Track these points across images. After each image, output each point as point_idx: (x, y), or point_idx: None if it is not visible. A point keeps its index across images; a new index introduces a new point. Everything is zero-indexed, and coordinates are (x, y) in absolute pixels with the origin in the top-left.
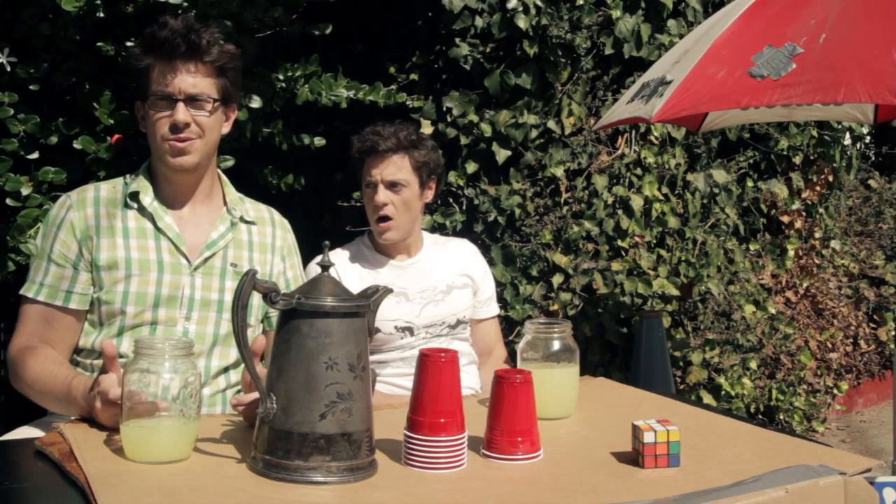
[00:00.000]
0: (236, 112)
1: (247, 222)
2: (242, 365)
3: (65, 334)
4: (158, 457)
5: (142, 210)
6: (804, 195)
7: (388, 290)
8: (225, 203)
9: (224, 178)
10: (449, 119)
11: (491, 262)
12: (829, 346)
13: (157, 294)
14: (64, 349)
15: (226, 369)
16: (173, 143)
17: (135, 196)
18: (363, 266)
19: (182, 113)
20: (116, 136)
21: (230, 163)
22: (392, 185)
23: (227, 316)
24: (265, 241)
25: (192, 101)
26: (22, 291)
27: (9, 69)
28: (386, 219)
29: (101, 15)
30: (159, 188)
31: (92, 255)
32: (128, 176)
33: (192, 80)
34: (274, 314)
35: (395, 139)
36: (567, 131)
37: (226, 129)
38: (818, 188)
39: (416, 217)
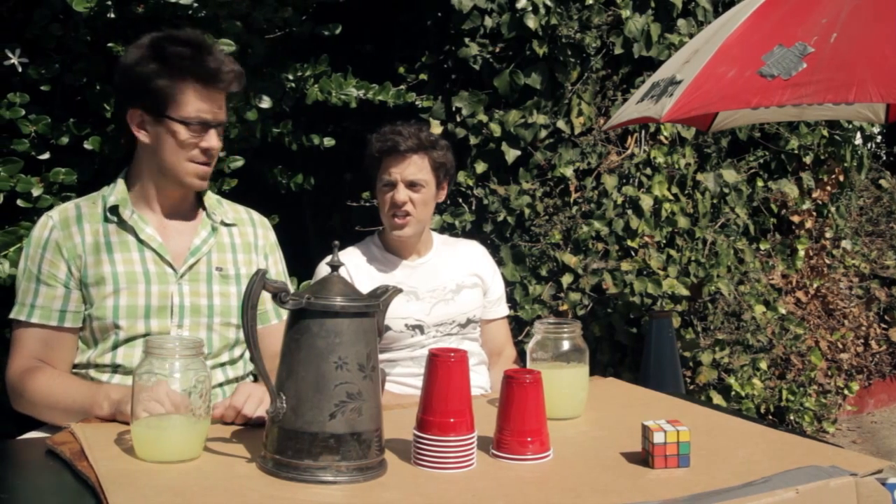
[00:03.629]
0: None
1: (227, 225)
2: (238, 362)
3: (63, 353)
4: (169, 456)
5: (122, 223)
6: (815, 195)
7: (398, 290)
8: (204, 208)
9: None
10: (458, 119)
11: (500, 262)
12: (840, 346)
13: (147, 305)
14: (65, 368)
15: (222, 364)
16: (201, 167)
17: (114, 210)
18: (373, 266)
19: (217, 140)
20: None
21: (240, 163)
22: (412, 185)
23: (218, 320)
24: (247, 240)
25: (218, 126)
26: (13, 315)
27: (20, 70)
28: (404, 215)
29: (112, 16)
30: (143, 199)
31: (80, 273)
32: (106, 188)
33: (224, 108)
34: (259, 312)
35: (417, 139)
36: (576, 131)
37: None
38: (829, 188)
39: (430, 216)
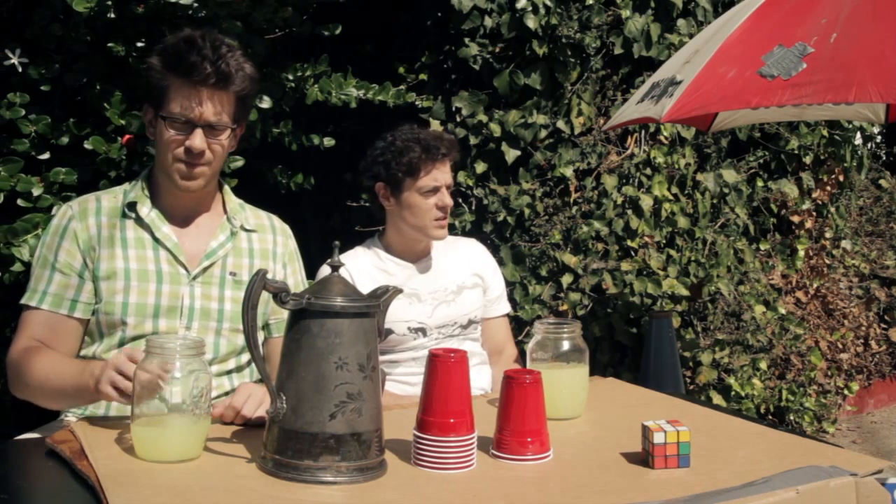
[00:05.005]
0: (243, 129)
1: (247, 230)
2: (245, 370)
3: (68, 341)
4: (169, 456)
5: (139, 221)
6: (815, 195)
7: (398, 291)
8: (225, 211)
9: (225, 186)
10: (458, 119)
11: (500, 262)
12: (840, 346)
13: (156, 304)
14: (67, 354)
15: (228, 372)
16: (184, 166)
17: (132, 206)
18: (375, 267)
19: (200, 140)
20: (127, 137)
21: (240, 163)
22: (448, 188)
23: (227, 325)
24: (266, 247)
25: (210, 128)
26: (24, 301)
27: (20, 70)
28: (444, 218)
29: (112, 16)
30: (160, 198)
31: (93, 265)
32: (128, 184)
33: (214, 108)
34: (274, 322)
35: (450, 142)
36: (576, 131)
37: (232, 147)
38: (829, 188)
39: None
